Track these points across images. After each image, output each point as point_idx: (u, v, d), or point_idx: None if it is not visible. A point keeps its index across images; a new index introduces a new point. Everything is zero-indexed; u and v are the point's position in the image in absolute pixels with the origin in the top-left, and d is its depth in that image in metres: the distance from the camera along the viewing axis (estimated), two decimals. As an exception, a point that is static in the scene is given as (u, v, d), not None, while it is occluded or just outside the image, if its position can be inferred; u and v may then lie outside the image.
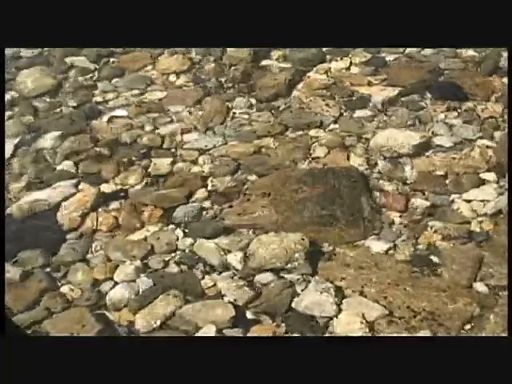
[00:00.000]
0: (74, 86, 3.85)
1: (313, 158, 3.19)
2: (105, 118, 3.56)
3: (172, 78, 3.90)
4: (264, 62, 3.95)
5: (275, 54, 3.98)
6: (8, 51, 3.99)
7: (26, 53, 4.13)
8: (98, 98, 3.74)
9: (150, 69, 3.99)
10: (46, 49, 4.13)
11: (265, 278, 2.59)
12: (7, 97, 3.74)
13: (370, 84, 3.69)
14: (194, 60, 4.01)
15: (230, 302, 2.49)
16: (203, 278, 2.62)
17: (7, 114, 3.59)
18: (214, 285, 2.58)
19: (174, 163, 3.21)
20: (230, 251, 2.70)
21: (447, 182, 3.01)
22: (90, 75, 3.95)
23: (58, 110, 3.66)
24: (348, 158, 3.18)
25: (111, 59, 4.08)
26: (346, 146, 3.26)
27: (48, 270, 2.70)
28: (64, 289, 2.61)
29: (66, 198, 2.99)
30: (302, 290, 2.53)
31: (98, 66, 4.03)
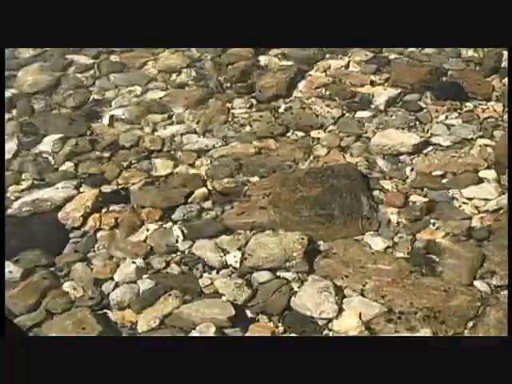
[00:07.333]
0: (73, 84, 3.83)
1: (314, 157, 3.19)
2: (105, 119, 3.54)
3: (173, 76, 3.88)
4: (264, 61, 3.95)
5: (274, 52, 3.98)
6: (7, 49, 3.97)
7: (25, 50, 4.11)
8: (97, 96, 3.73)
9: (151, 66, 3.98)
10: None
11: (263, 276, 2.59)
12: (7, 94, 3.72)
13: (371, 84, 3.70)
14: (193, 58, 4.00)
15: (228, 301, 2.50)
16: (201, 276, 2.62)
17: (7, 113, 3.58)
18: (212, 283, 2.58)
19: (174, 164, 3.20)
20: (228, 252, 2.69)
21: (446, 180, 3.02)
22: (90, 73, 3.94)
23: (57, 110, 3.65)
24: (347, 158, 3.18)
25: (111, 56, 4.06)
26: (346, 145, 3.27)
27: (51, 269, 2.69)
28: (66, 289, 2.61)
29: (68, 199, 2.99)
30: (300, 289, 2.53)
31: (97, 63, 4.01)
